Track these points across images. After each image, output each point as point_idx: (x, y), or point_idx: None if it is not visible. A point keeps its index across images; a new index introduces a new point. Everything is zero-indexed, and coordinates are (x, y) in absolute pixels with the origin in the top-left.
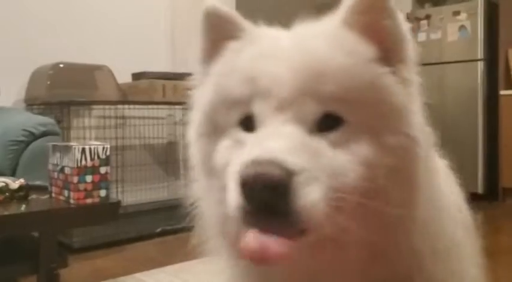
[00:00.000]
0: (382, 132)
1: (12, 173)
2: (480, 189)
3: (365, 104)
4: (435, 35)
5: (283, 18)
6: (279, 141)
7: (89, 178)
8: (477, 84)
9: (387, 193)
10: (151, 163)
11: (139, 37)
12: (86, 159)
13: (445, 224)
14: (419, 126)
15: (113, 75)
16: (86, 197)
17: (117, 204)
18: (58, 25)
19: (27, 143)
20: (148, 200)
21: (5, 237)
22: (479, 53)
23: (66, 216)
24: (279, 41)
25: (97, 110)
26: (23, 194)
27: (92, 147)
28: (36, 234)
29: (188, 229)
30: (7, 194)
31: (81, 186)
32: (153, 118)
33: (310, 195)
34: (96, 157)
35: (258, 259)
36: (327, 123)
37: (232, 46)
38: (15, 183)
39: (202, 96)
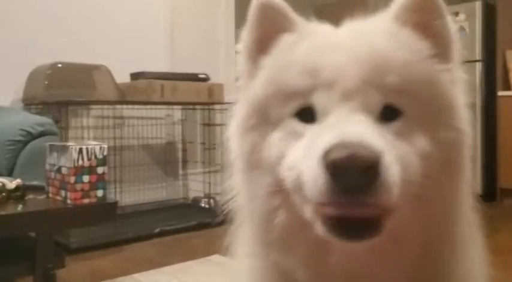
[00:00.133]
0: (436, 126)
1: (10, 173)
2: (478, 190)
3: (422, 98)
4: None
5: None
6: (357, 127)
7: (86, 178)
8: (475, 85)
9: (440, 186)
10: (150, 163)
11: (138, 37)
12: (83, 159)
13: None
14: (467, 121)
15: (111, 75)
16: (82, 197)
17: (114, 204)
18: (56, 25)
19: (25, 143)
20: (147, 200)
21: (1, 237)
22: (477, 54)
23: (63, 217)
24: (337, 35)
25: (95, 110)
26: (19, 194)
27: (89, 147)
28: (32, 234)
29: (186, 229)
30: (4, 194)
31: (78, 186)
32: (151, 118)
33: (395, 176)
34: (93, 157)
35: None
36: (386, 115)
37: (287, 39)
38: (12, 183)
39: (252, 89)
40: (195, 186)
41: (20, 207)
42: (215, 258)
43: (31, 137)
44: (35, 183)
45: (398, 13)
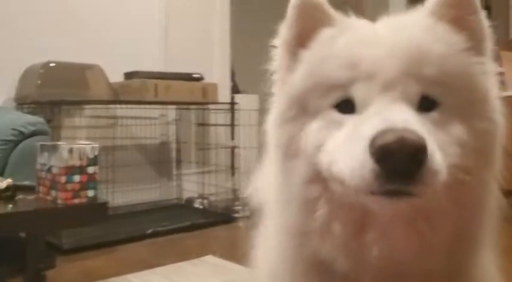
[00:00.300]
0: (471, 117)
1: (1, 173)
2: None
3: (458, 90)
4: None
5: (276, 17)
6: (401, 114)
7: (76, 178)
8: None
9: (475, 173)
10: (144, 163)
11: (132, 36)
12: (73, 158)
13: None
14: (499, 112)
15: (104, 74)
16: (73, 197)
17: (105, 204)
18: (49, 24)
19: (17, 143)
20: (140, 200)
21: None
22: None
23: (53, 217)
24: (375, 29)
25: (88, 110)
26: (9, 194)
27: (80, 146)
28: (23, 234)
29: (180, 230)
30: None
31: (69, 186)
32: (145, 118)
33: (440, 164)
34: (84, 157)
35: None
36: (424, 105)
37: (326, 33)
38: (2, 183)
39: (291, 82)
40: (189, 187)
41: (9, 207)
42: (209, 259)
43: (23, 136)
44: (26, 183)
45: (435, 8)
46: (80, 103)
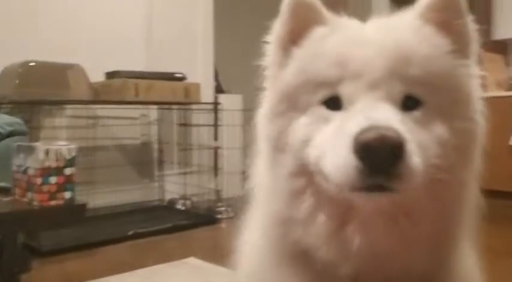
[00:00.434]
0: (453, 116)
1: None
2: None
3: (442, 90)
4: None
5: (262, 17)
6: (384, 113)
7: (53, 179)
8: None
9: (455, 171)
10: (125, 164)
11: (113, 35)
12: (50, 160)
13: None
14: (480, 112)
15: (85, 74)
16: (49, 199)
17: (83, 206)
18: (28, 22)
19: None
20: (121, 202)
21: None
22: None
23: (29, 219)
24: (364, 29)
25: (69, 110)
26: None
27: (57, 147)
28: None
29: (161, 232)
30: None
31: (45, 188)
32: (126, 118)
33: (417, 163)
34: (61, 158)
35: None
36: (407, 104)
37: (317, 32)
38: None
39: (282, 77)
40: (171, 188)
41: None
42: (190, 260)
43: (0, 137)
44: (1, 184)
45: (423, 11)
46: (59, 103)
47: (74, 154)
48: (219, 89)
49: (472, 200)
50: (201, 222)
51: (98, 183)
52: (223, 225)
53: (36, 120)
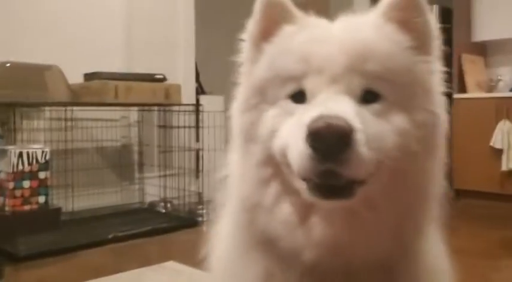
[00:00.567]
0: (413, 109)
1: None
2: None
3: (401, 84)
4: None
5: (244, 17)
6: (338, 104)
7: (26, 184)
8: None
9: (417, 160)
10: (105, 167)
11: (92, 35)
12: (23, 163)
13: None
14: (441, 105)
15: (63, 75)
16: (23, 204)
17: (58, 211)
18: (5, 22)
19: None
20: (101, 205)
21: None
22: None
23: (1, 225)
24: (329, 28)
25: (47, 112)
26: None
27: (30, 151)
28: None
29: (141, 235)
30: None
31: (18, 193)
32: (106, 120)
33: (365, 152)
34: (34, 161)
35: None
36: (367, 98)
37: (286, 30)
38: None
39: (254, 72)
40: (152, 190)
41: None
42: (170, 264)
43: None
44: None
45: (385, 10)
46: (37, 105)
47: (48, 157)
48: (200, 90)
49: (437, 188)
50: (182, 225)
51: (77, 186)
52: (204, 228)
53: (13, 122)
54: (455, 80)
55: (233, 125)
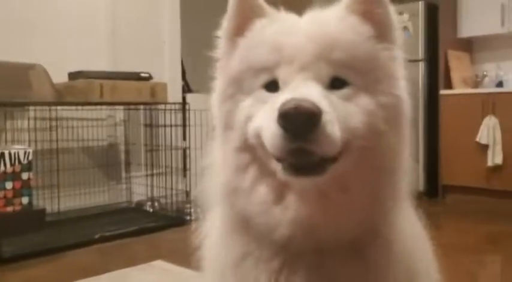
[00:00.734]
0: (378, 93)
1: None
2: (421, 187)
3: (365, 70)
4: None
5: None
6: (306, 89)
7: (9, 185)
8: (418, 83)
9: (384, 138)
10: (91, 166)
11: (77, 33)
12: (5, 164)
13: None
14: (403, 89)
15: (47, 74)
16: (6, 205)
17: (42, 211)
18: None
19: None
20: (88, 205)
21: None
22: (420, 53)
23: None
24: (298, 21)
25: (31, 112)
26: None
27: (12, 151)
28: None
29: (128, 235)
30: None
31: (0, 194)
32: (92, 119)
33: (333, 130)
34: (16, 162)
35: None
36: (335, 84)
37: (258, 24)
38: None
39: (230, 64)
40: (139, 190)
41: None
42: (157, 264)
43: None
44: None
45: (348, 3)
46: (21, 104)
47: (30, 158)
48: (186, 88)
49: (404, 165)
50: (169, 224)
51: (64, 186)
52: (192, 226)
53: None
54: (442, 76)
55: (213, 115)
